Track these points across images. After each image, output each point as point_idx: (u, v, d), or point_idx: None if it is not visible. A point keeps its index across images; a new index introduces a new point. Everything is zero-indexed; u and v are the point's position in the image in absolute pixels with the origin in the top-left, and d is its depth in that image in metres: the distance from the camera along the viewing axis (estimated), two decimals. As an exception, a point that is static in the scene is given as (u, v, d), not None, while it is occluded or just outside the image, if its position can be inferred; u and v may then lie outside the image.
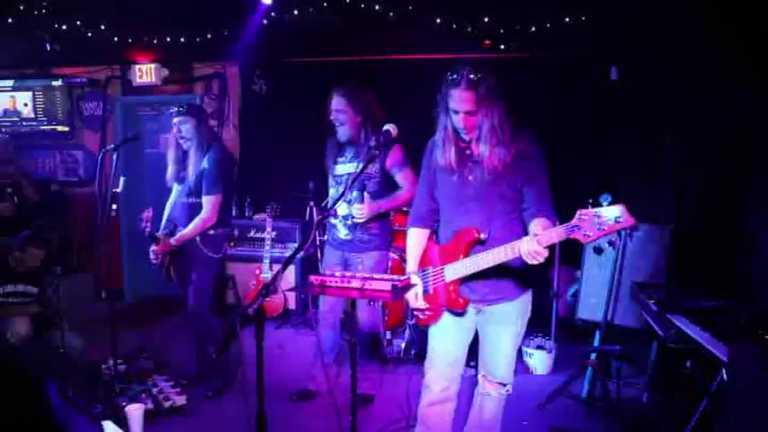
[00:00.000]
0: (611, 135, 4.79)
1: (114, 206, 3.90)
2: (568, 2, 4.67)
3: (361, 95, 3.45)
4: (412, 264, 2.64)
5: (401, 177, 3.45)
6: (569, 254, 4.15)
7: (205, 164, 3.78)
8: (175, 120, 3.83)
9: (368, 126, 3.43)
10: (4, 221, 5.19)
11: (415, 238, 2.66)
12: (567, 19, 4.66)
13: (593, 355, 3.71)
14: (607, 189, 3.11)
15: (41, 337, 4.23)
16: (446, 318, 2.60)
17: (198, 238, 3.83)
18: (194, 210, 3.83)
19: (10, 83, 6.36)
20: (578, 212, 2.03)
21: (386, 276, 2.38)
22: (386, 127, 2.71)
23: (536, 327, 4.32)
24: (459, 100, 2.32)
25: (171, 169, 3.92)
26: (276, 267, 5.04)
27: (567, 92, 4.84)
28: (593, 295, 3.84)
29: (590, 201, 1.94)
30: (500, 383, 2.63)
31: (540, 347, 4.25)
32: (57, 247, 5.91)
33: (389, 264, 4.46)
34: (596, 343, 3.75)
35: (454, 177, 2.48)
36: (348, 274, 2.41)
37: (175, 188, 3.99)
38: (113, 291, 6.22)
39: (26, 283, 4.44)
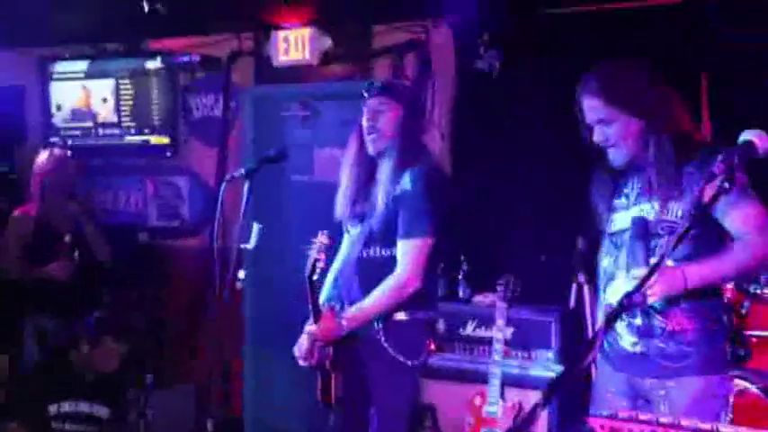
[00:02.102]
0: None
1: (241, 274, 4.13)
2: None
3: (636, 81, 3.44)
4: None
5: (738, 218, 3.30)
6: None
7: (407, 184, 3.93)
8: (370, 101, 4.05)
9: (660, 132, 3.39)
10: (58, 291, 5.69)
11: None
12: None
13: None
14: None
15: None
16: None
17: (381, 331, 3.96)
18: (378, 270, 3.98)
19: (83, 65, 7.15)
20: None
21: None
22: (746, 136, 2.62)
23: None
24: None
25: (343, 196, 4.15)
26: (513, 394, 5.04)
27: None
28: None
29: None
30: None
31: None
32: (147, 338, 6.35)
33: (730, 399, 4.21)
34: None
35: None
36: (665, 419, 2.41)
37: (347, 238, 4.19)
38: (227, 420, 6.53)
39: (94, 399, 4.83)
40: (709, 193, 2.76)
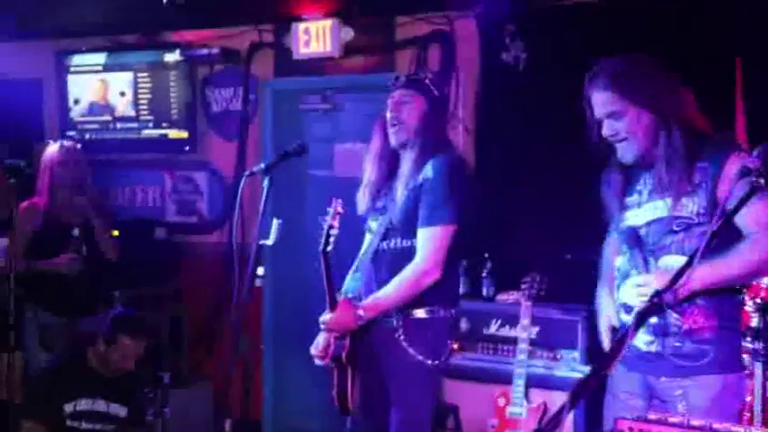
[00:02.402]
0: None
1: (260, 271, 4.12)
2: None
3: (645, 73, 3.47)
4: None
5: (749, 215, 3.23)
6: None
7: (429, 172, 3.95)
8: (396, 94, 4.07)
9: (671, 125, 3.40)
10: (64, 287, 5.70)
11: None
12: None
13: None
14: None
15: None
16: None
17: (400, 329, 3.95)
18: (396, 261, 3.98)
19: (101, 58, 7.19)
20: None
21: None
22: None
23: None
24: None
25: (365, 191, 4.18)
26: (538, 395, 5.04)
27: None
28: None
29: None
30: None
31: None
32: (164, 335, 6.35)
33: (747, 399, 4.18)
34: None
35: None
36: (697, 422, 2.41)
37: (368, 236, 4.20)
38: (246, 422, 6.53)
39: (110, 397, 4.83)
40: (743, 188, 2.70)
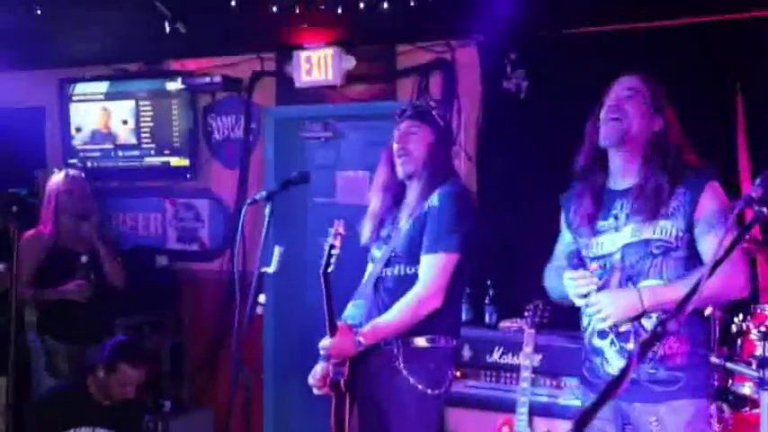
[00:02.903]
0: None
1: (261, 299, 4.12)
2: None
3: (663, 90, 3.58)
4: None
5: (710, 242, 3.30)
6: None
7: (434, 201, 3.96)
8: (402, 125, 4.10)
9: (667, 129, 3.50)
10: (76, 312, 5.68)
11: None
12: None
13: None
14: None
15: None
16: None
17: (400, 358, 3.94)
18: (400, 288, 3.97)
19: (103, 87, 7.21)
20: None
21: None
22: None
23: None
24: None
25: (369, 221, 4.19)
26: (542, 424, 5.02)
27: None
28: None
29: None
30: None
31: None
32: (165, 363, 6.33)
33: (715, 426, 4.24)
34: None
35: None
36: None
37: (370, 265, 4.20)
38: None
39: (111, 426, 4.81)
40: (730, 216, 2.74)
